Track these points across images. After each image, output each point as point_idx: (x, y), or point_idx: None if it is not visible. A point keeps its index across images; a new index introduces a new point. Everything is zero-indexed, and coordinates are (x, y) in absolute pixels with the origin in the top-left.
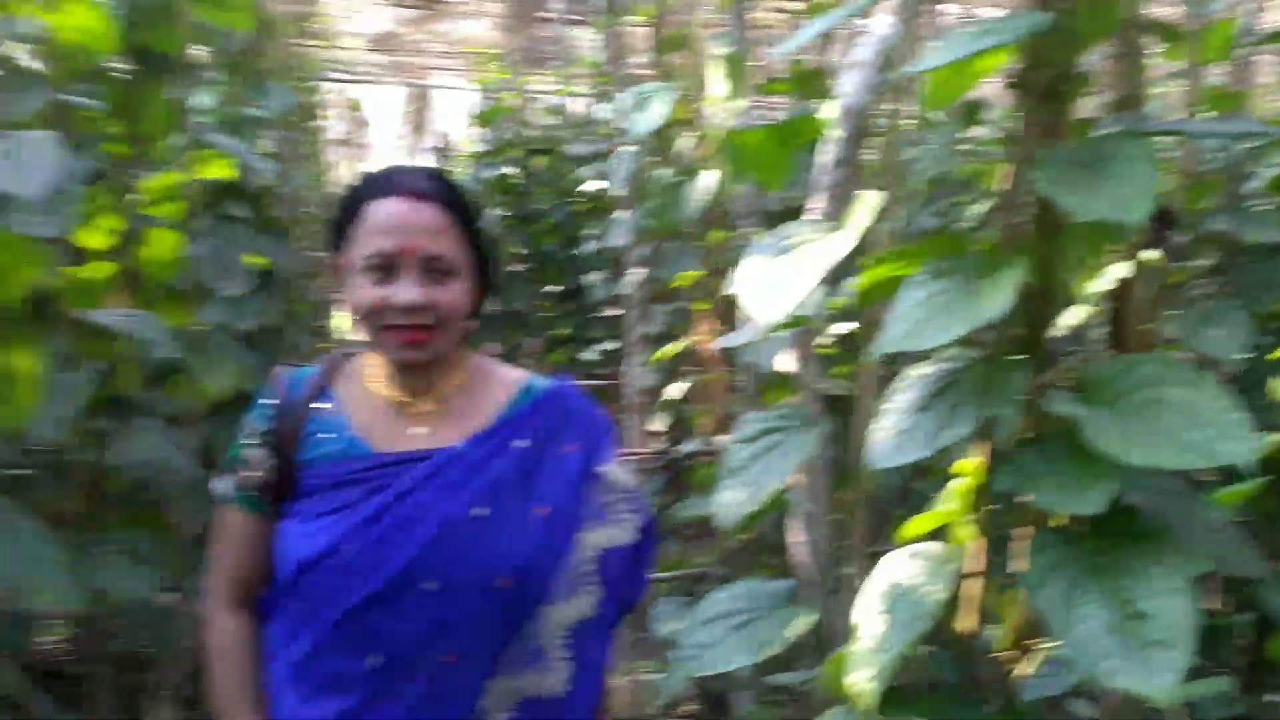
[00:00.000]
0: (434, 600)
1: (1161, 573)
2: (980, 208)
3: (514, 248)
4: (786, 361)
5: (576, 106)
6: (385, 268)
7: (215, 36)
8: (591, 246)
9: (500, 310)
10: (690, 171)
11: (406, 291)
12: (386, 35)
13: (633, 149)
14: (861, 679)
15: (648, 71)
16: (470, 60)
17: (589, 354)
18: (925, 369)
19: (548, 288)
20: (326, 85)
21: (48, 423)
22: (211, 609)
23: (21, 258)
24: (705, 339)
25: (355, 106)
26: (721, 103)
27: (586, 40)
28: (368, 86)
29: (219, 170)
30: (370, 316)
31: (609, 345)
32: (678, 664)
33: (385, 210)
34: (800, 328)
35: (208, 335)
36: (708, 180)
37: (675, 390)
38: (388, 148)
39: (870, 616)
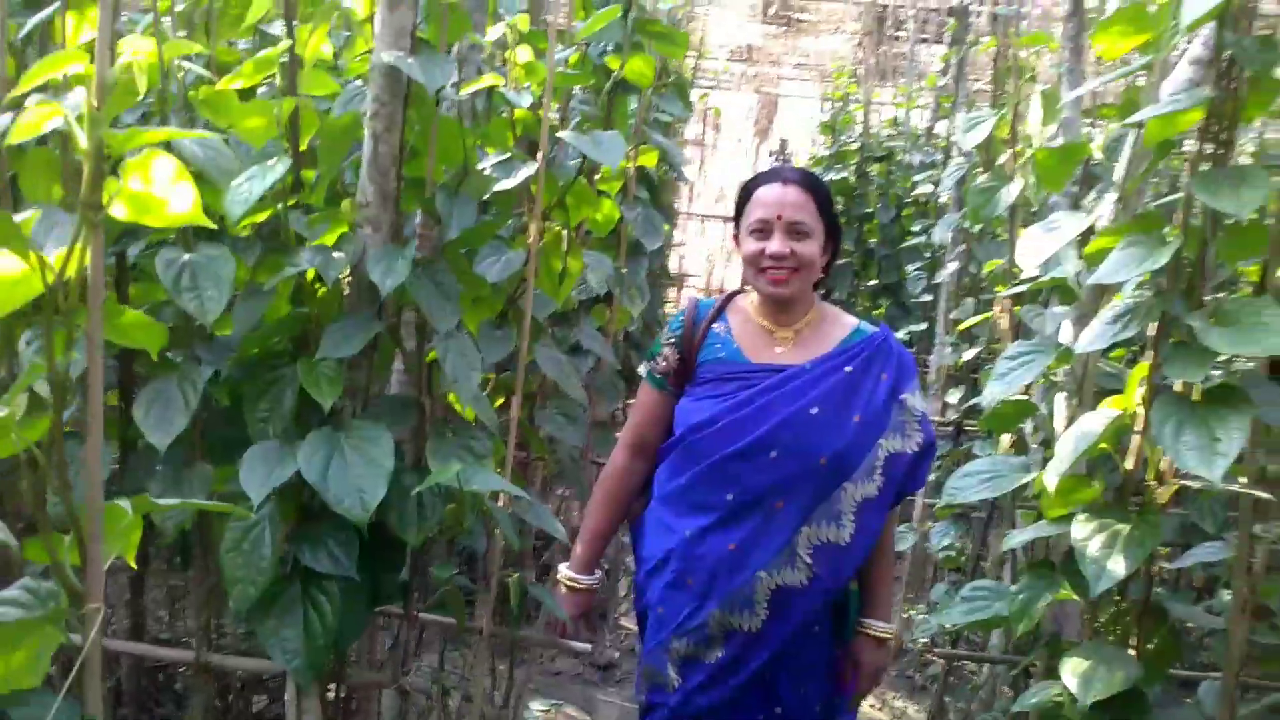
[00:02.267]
0: (776, 463)
1: (1236, 419)
2: (1167, 202)
3: (843, 244)
4: (1065, 331)
5: (915, 119)
6: (764, 230)
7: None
8: (912, 244)
9: (824, 295)
10: (1004, 179)
11: (777, 244)
12: (747, 48)
13: (961, 161)
14: (1048, 477)
15: (985, 91)
16: (821, 73)
17: (901, 334)
18: (1121, 304)
19: (871, 282)
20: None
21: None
22: (617, 448)
23: (587, 200)
24: (1001, 315)
25: (716, 113)
26: (1037, 126)
27: (931, 58)
28: (725, 93)
29: (650, 159)
30: (752, 263)
31: (916, 327)
32: (953, 489)
33: (766, 192)
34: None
35: (629, 274)
36: (1016, 187)
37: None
38: (734, 150)
39: (1064, 445)
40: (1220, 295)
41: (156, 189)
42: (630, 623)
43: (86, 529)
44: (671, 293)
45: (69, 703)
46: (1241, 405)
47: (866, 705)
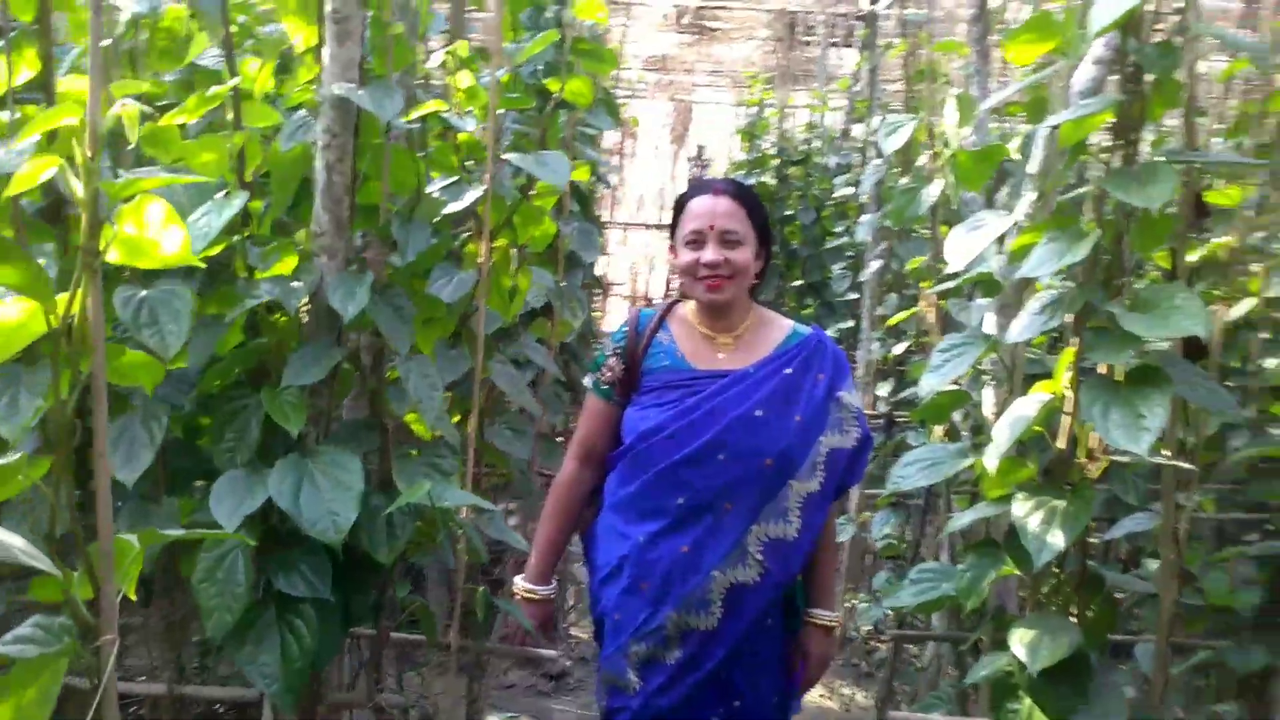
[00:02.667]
0: (724, 466)
1: (1158, 397)
2: (1076, 196)
3: None
4: (989, 322)
5: (830, 122)
6: (698, 240)
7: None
8: (836, 244)
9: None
10: (925, 180)
11: (711, 253)
12: (662, 57)
13: (879, 162)
14: (988, 460)
15: (899, 93)
16: (735, 79)
17: (830, 332)
18: (1045, 295)
19: (796, 282)
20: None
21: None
22: (567, 458)
23: (533, 218)
24: (927, 310)
25: (634, 123)
26: (953, 129)
27: (842, 61)
28: (641, 102)
29: (583, 174)
30: (689, 272)
31: (843, 325)
32: (897, 477)
33: (698, 204)
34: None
35: (568, 287)
36: (937, 188)
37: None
38: (652, 158)
39: (1000, 429)
40: (1136, 284)
41: (150, 233)
42: (580, 632)
43: (98, 563)
44: (598, 302)
45: None
46: (1162, 384)
47: (816, 694)
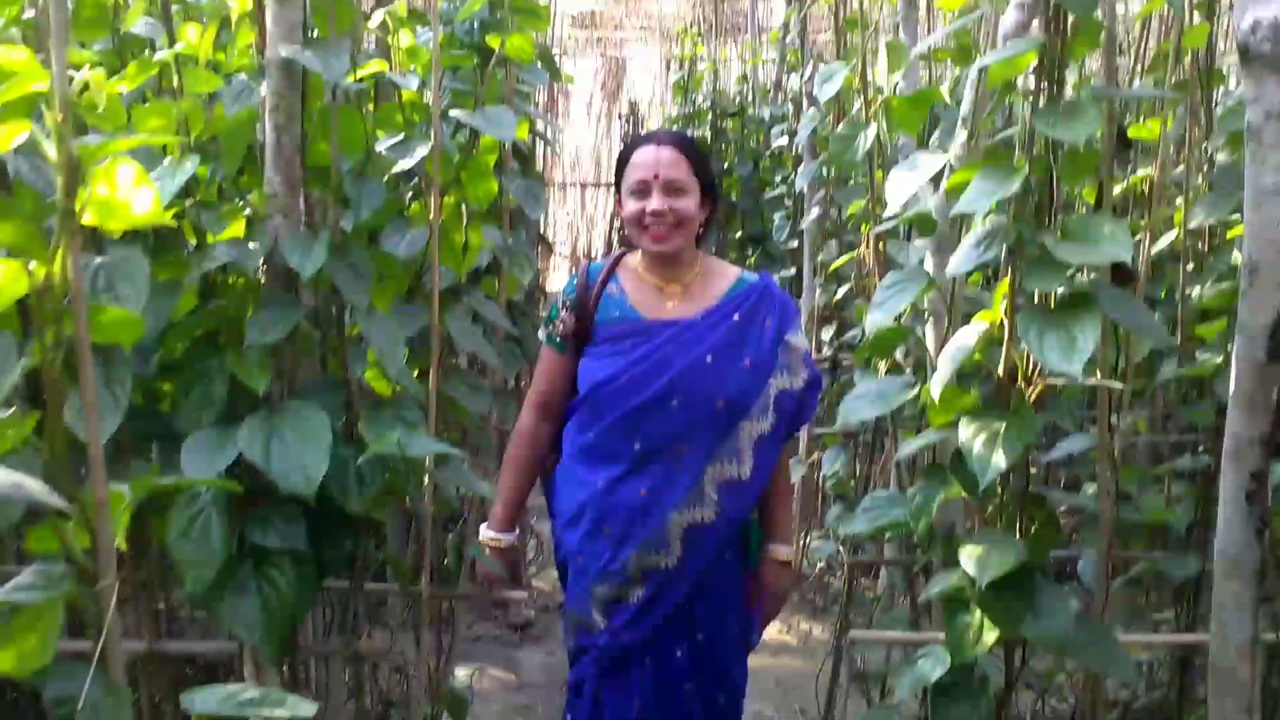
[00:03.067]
0: (677, 411)
1: (1089, 320)
2: (1006, 135)
3: None
4: (927, 260)
5: (762, 74)
6: (643, 190)
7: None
8: (775, 194)
9: None
10: (860, 127)
11: (656, 202)
12: (590, 13)
13: (814, 112)
14: (933, 388)
15: (830, 43)
16: (665, 34)
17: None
18: (982, 229)
19: (736, 234)
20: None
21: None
22: (525, 411)
23: (480, 174)
24: (867, 253)
25: (568, 79)
26: (885, 75)
27: (770, 12)
28: (571, 60)
29: (523, 131)
30: (635, 221)
31: (786, 273)
32: (847, 409)
33: (642, 154)
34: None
35: (514, 244)
36: (871, 133)
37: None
38: (584, 116)
39: (943, 359)
40: (1066, 216)
41: (121, 193)
42: (541, 582)
43: (94, 512)
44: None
45: (98, 672)
46: (1093, 308)
47: (774, 630)
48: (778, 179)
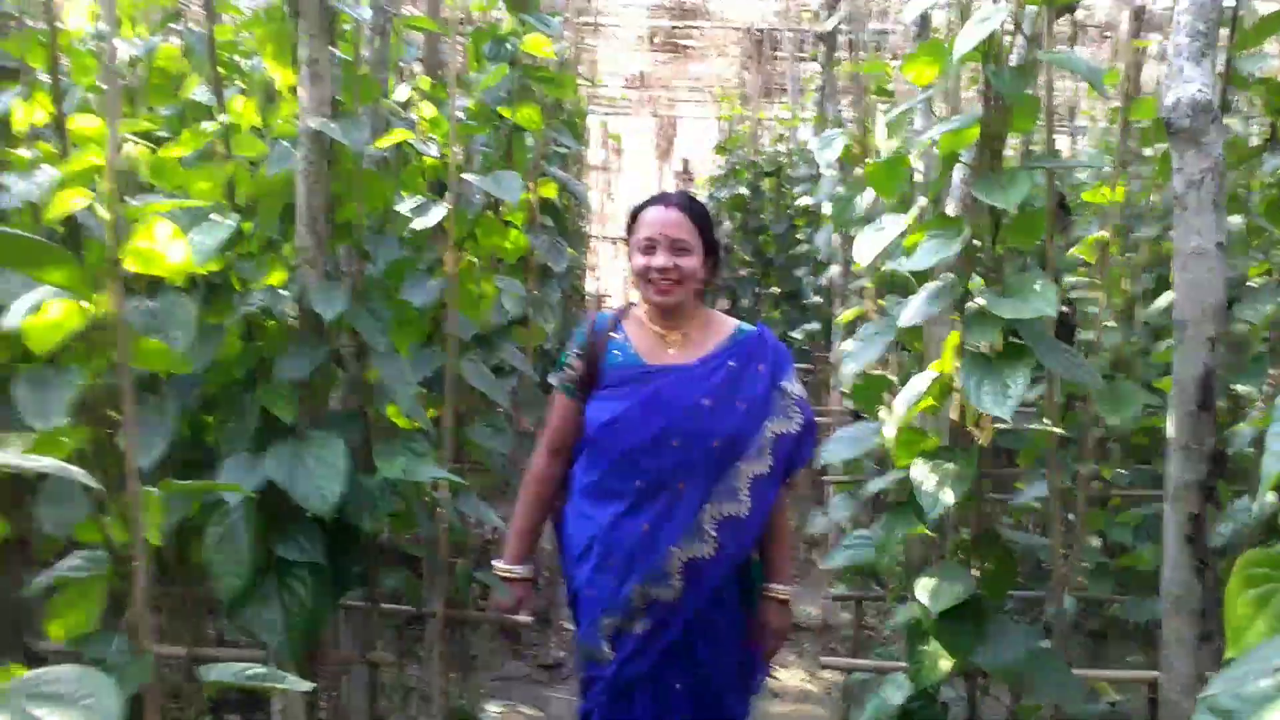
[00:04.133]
0: (676, 451)
1: (1022, 370)
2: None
3: (743, 255)
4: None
5: (801, 133)
6: (650, 248)
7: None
8: (801, 251)
9: (729, 308)
10: (858, 188)
11: (661, 259)
12: (640, 75)
13: (833, 173)
14: (887, 430)
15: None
16: (713, 94)
17: (797, 334)
18: (931, 284)
19: (772, 289)
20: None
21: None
22: (537, 453)
23: (494, 231)
24: (870, 307)
25: (616, 138)
26: (884, 141)
27: (812, 74)
28: (625, 119)
29: (550, 191)
30: (642, 275)
31: (810, 327)
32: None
33: (651, 214)
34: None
35: (540, 296)
36: (870, 194)
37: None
38: (638, 172)
39: (898, 404)
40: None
41: (158, 246)
42: (571, 625)
43: (130, 507)
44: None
45: (127, 638)
46: (1026, 357)
47: (798, 678)
48: (801, 237)
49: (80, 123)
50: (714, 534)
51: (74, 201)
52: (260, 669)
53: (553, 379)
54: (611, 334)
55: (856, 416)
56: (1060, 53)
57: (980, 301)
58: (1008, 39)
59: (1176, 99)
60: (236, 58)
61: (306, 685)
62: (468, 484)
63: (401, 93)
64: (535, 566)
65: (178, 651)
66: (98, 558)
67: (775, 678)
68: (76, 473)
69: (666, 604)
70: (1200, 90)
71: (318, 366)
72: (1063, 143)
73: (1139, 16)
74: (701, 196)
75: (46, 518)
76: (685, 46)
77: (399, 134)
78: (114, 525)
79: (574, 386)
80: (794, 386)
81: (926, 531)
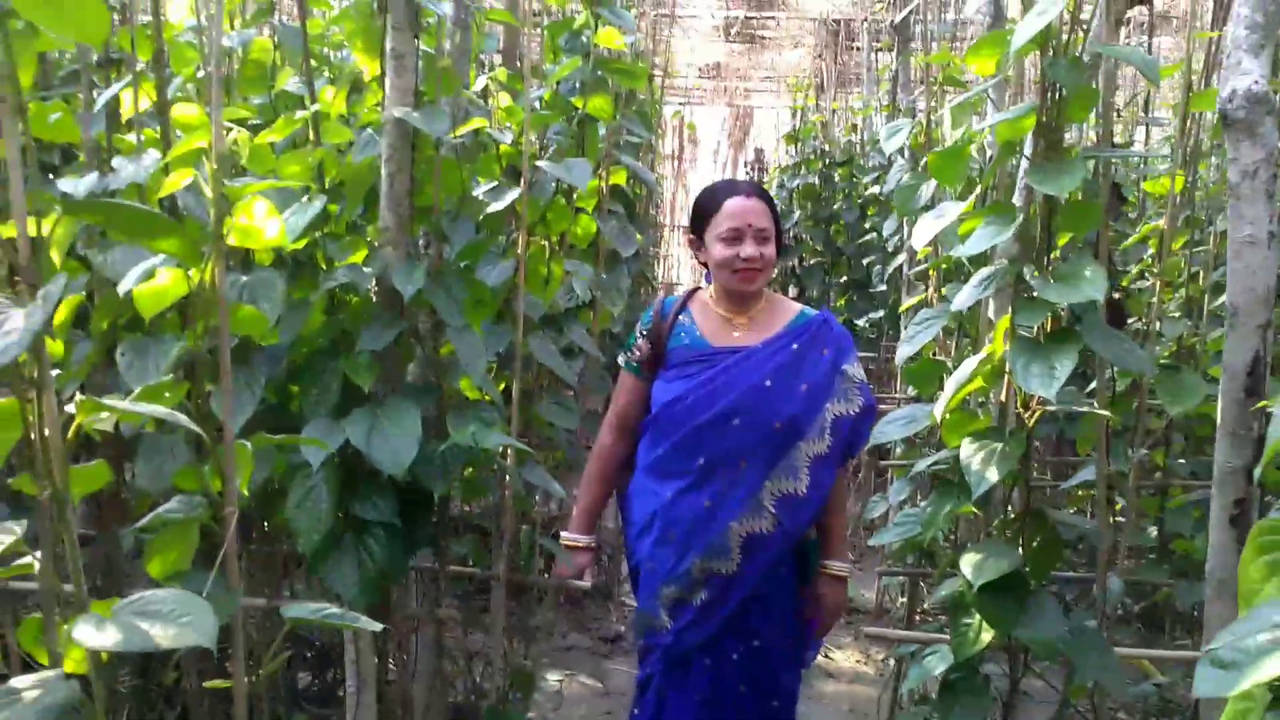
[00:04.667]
0: (738, 430)
1: (1070, 353)
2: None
3: (814, 244)
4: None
5: (875, 123)
6: (735, 238)
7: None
8: (867, 239)
9: (798, 295)
10: (922, 178)
11: (750, 249)
12: (715, 65)
13: (901, 162)
14: (936, 411)
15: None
16: (788, 84)
17: (862, 322)
18: (984, 270)
19: (841, 278)
20: (666, 110)
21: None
22: (604, 430)
23: (564, 216)
24: (934, 295)
25: (691, 128)
26: (949, 130)
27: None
28: (700, 108)
29: (619, 178)
30: (726, 265)
31: (875, 315)
32: (880, 432)
33: (733, 205)
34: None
35: (608, 280)
36: (933, 184)
37: None
38: (712, 162)
39: (948, 386)
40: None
41: (257, 222)
42: (632, 600)
43: (225, 458)
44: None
45: (218, 578)
46: (1073, 340)
47: (852, 659)
48: (869, 226)
49: (181, 110)
50: (773, 510)
51: (183, 181)
52: (336, 609)
53: (620, 359)
54: (679, 317)
55: (918, 401)
56: (1114, 44)
57: (1032, 284)
58: (1066, 32)
59: (1233, 90)
60: (326, 50)
61: (377, 626)
62: (534, 454)
63: (480, 84)
64: (598, 539)
65: (257, 603)
66: (195, 502)
67: (829, 658)
68: (182, 419)
69: (725, 577)
70: (1256, 82)
71: (396, 339)
72: (1139, 134)
73: (1224, 4)
74: (772, 186)
75: (142, 473)
76: (761, 37)
77: (476, 122)
78: (211, 474)
79: (640, 366)
80: (856, 370)
81: (973, 509)
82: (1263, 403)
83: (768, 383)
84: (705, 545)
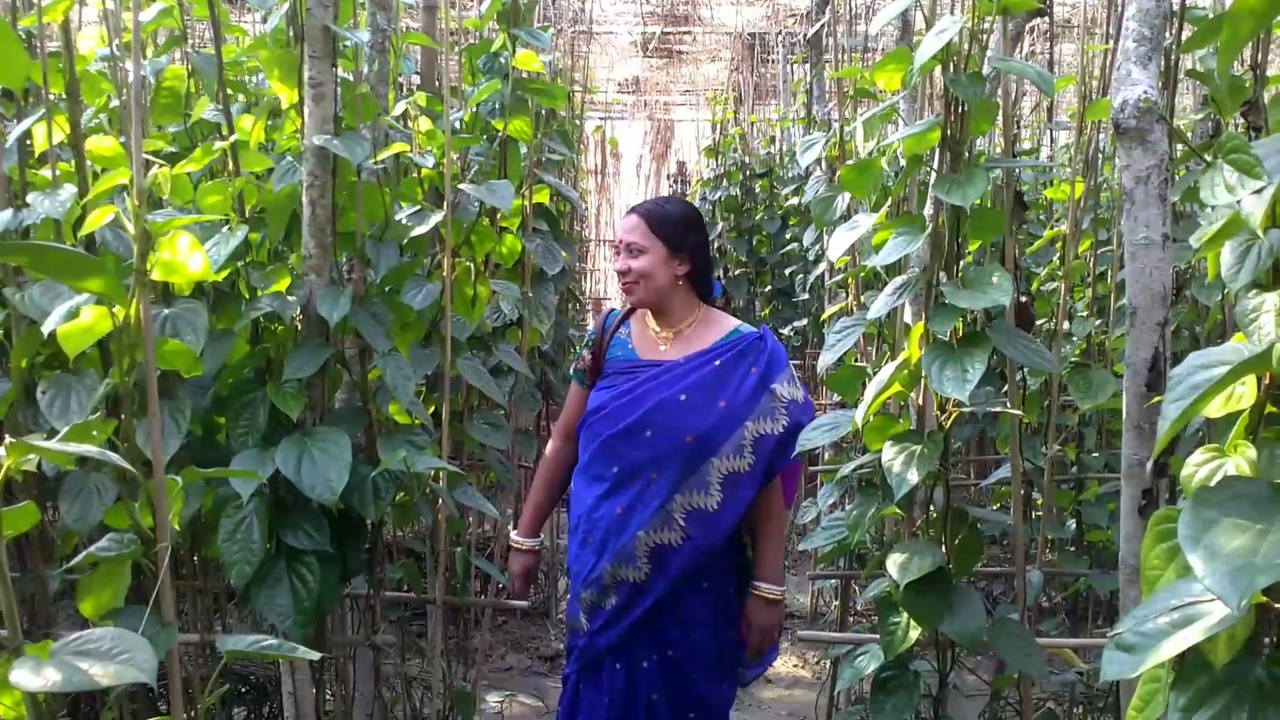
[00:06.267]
0: (650, 441)
1: (980, 356)
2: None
3: (738, 255)
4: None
5: (794, 135)
6: (618, 253)
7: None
8: (788, 249)
9: (723, 305)
10: (838, 190)
11: (619, 262)
12: (634, 79)
13: (819, 173)
14: (857, 416)
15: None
16: (705, 98)
17: (788, 331)
18: (897, 279)
19: (766, 288)
20: (587, 125)
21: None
22: (553, 436)
23: (488, 237)
24: (853, 304)
25: (613, 143)
26: (861, 143)
27: (802, 78)
28: (622, 123)
29: (543, 196)
30: (618, 276)
31: (799, 323)
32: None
33: (621, 222)
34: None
35: (535, 298)
36: (848, 195)
37: None
38: (635, 176)
39: (868, 391)
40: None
41: (180, 257)
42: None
43: (155, 494)
44: (590, 315)
45: (153, 614)
46: (983, 343)
47: (790, 665)
48: (791, 236)
49: (96, 142)
50: (682, 523)
51: (105, 219)
52: (272, 640)
53: (571, 368)
54: (618, 330)
55: (844, 408)
56: (1011, 60)
57: (943, 291)
58: (966, 47)
59: (1124, 100)
60: (243, 76)
61: (314, 655)
62: (466, 476)
63: (400, 108)
64: (542, 540)
65: (191, 639)
66: (127, 539)
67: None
68: (114, 458)
69: (633, 584)
70: (1146, 92)
71: (323, 366)
72: (1048, 138)
73: (1119, 15)
74: (695, 198)
75: (69, 512)
76: (679, 52)
77: (397, 147)
78: (141, 509)
79: (583, 375)
80: (786, 389)
81: (897, 510)
82: (1156, 398)
83: (682, 397)
84: (616, 552)
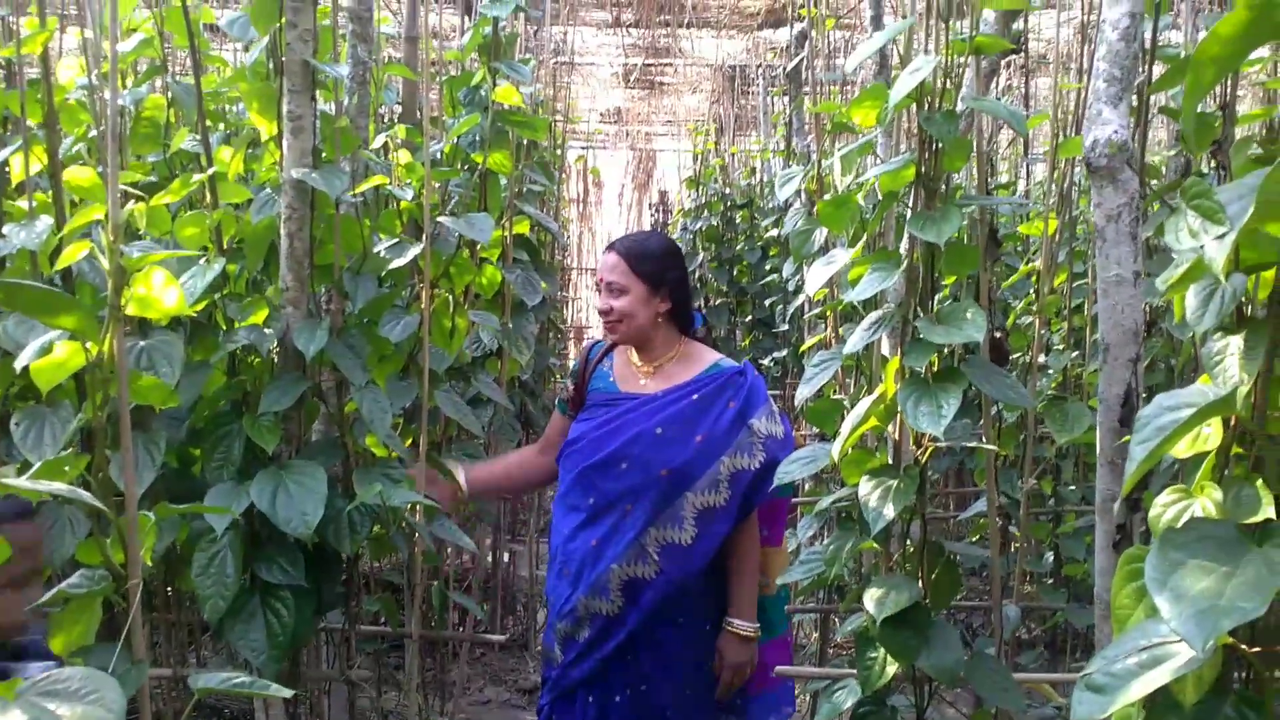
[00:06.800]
0: (625, 474)
1: (953, 389)
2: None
3: (718, 285)
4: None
5: (774, 166)
6: (599, 289)
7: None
8: (768, 280)
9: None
10: (816, 223)
11: (599, 301)
12: (616, 110)
13: (798, 206)
14: (834, 450)
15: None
16: (685, 128)
17: (768, 361)
18: (873, 314)
19: (747, 318)
20: (569, 154)
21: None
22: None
23: (467, 269)
24: (829, 335)
25: (595, 172)
26: (839, 177)
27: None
28: (604, 152)
29: (523, 227)
30: (600, 315)
31: (779, 354)
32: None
33: (601, 260)
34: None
35: (515, 328)
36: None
37: None
38: (617, 205)
39: (845, 425)
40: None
41: (155, 292)
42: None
43: (127, 530)
44: (571, 344)
45: (124, 651)
46: (958, 379)
47: None
48: (771, 267)
49: (74, 172)
50: (656, 557)
51: (80, 254)
52: (245, 677)
53: (555, 398)
54: (601, 362)
55: (824, 439)
56: (985, 99)
57: (916, 326)
58: (940, 85)
59: (1095, 139)
60: (222, 106)
61: (287, 692)
62: (443, 509)
63: (379, 140)
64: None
65: (164, 673)
66: (98, 575)
67: None
68: (85, 496)
69: (606, 618)
70: (1116, 131)
71: (299, 399)
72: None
73: (1092, 53)
74: (676, 228)
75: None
76: (660, 83)
77: (376, 179)
78: (113, 545)
79: (566, 404)
80: (764, 424)
81: (874, 545)
82: (1125, 437)
83: (659, 430)
84: (590, 584)
